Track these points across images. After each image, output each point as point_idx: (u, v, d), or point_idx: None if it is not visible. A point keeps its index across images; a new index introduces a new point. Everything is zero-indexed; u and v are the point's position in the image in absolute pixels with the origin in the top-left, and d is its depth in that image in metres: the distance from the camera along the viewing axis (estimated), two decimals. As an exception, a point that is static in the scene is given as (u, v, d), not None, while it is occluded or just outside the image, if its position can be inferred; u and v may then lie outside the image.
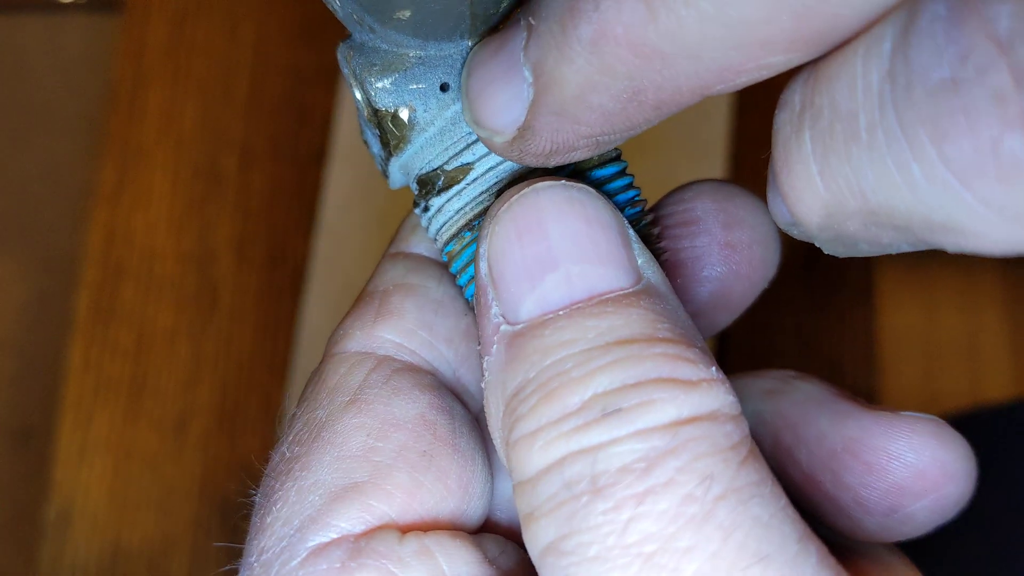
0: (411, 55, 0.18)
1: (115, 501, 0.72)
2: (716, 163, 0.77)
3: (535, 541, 0.14)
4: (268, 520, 0.17)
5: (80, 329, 0.74)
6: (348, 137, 0.78)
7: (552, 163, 0.16)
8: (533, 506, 0.14)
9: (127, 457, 0.72)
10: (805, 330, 0.77)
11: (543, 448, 0.14)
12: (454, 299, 0.20)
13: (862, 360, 0.77)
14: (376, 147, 0.20)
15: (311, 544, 0.16)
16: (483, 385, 0.16)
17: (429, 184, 0.20)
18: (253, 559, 0.18)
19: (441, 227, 0.20)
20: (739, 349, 0.75)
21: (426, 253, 0.21)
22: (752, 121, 0.80)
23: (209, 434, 0.73)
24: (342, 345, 0.20)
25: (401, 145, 0.19)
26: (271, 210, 0.78)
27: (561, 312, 0.15)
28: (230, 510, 0.72)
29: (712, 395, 0.14)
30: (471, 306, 0.20)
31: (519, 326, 0.15)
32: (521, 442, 0.15)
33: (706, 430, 0.13)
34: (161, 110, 0.79)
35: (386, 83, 0.18)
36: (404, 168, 0.20)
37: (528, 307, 0.15)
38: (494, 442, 0.16)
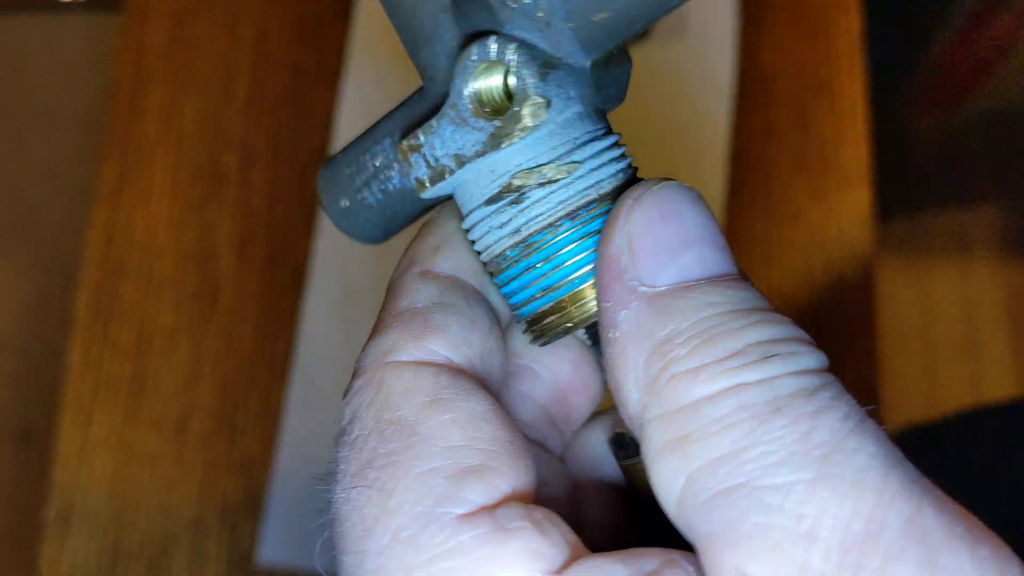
0: (560, 59, 0.21)
1: (115, 501, 0.72)
2: (716, 163, 0.77)
3: (695, 457, 0.17)
4: (391, 505, 0.18)
5: (80, 328, 0.74)
6: (348, 136, 0.78)
7: None
8: (692, 428, 0.17)
9: (127, 457, 0.72)
10: (805, 329, 0.77)
11: (707, 380, 0.17)
12: (482, 318, 0.22)
13: (862, 360, 0.76)
14: (472, 144, 0.21)
15: (456, 513, 0.18)
16: (613, 335, 0.19)
17: (531, 177, 0.22)
18: (387, 541, 0.18)
19: (534, 217, 0.22)
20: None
21: (451, 273, 0.23)
22: (752, 120, 0.80)
23: (209, 434, 0.73)
24: (395, 356, 0.21)
25: (515, 137, 0.21)
26: (271, 209, 0.77)
27: (702, 281, 0.19)
28: (230, 510, 0.72)
29: (822, 354, 0.19)
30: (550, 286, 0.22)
31: (660, 289, 0.19)
32: (681, 376, 0.18)
33: (833, 378, 0.18)
34: (161, 109, 0.79)
35: (539, 79, 0.21)
36: (493, 165, 0.22)
37: (668, 275, 0.19)
38: (621, 381, 0.19)
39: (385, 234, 0.26)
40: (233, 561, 0.71)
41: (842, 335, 0.77)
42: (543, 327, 0.23)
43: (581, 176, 0.22)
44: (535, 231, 0.22)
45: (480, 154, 0.22)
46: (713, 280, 0.19)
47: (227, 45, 0.81)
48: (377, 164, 0.25)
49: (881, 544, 0.15)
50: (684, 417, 0.18)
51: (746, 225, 0.77)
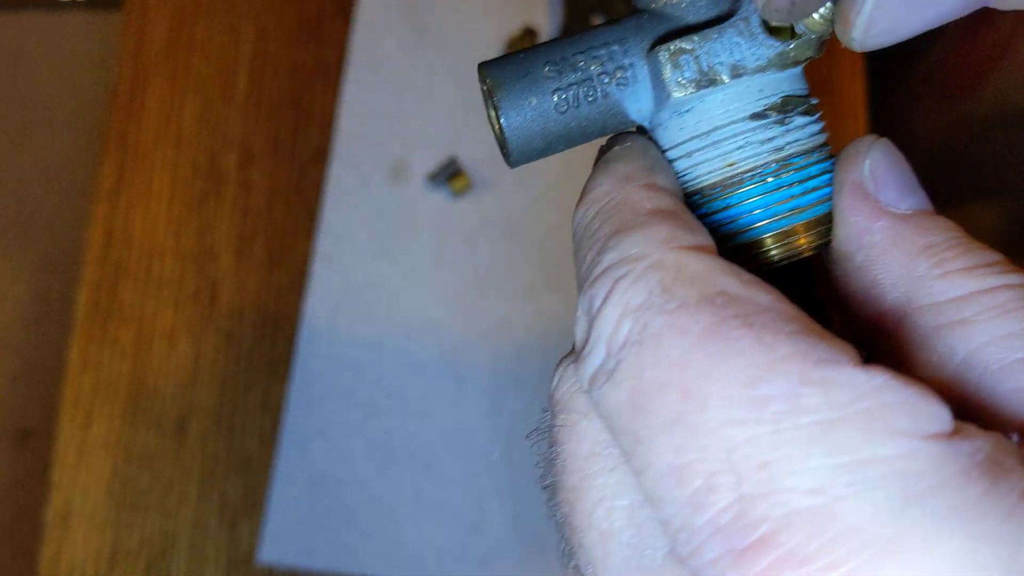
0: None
1: (114, 501, 0.71)
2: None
3: (980, 335, 0.20)
4: (782, 353, 0.19)
5: (80, 328, 0.74)
6: (348, 136, 0.78)
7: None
8: (971, 312, 0.21)
9: (126, 457, 0.72)
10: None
11: (981, 276, 0.21)
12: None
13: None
14: (755, 57, 0.23)
15: (850, 361, 0.19)
16: (868, 240, 0.23)
17: (799, 103, 0.24)
18: (795, 383, 0.18)
19: (797, 140, 0.24)
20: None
21: (670, 188, 0.24)
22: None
23: (208, 434, 0.73)
24: (677, 243, 0.21)
25: (800, 62, 0.24)
26: (271, 209, 0.77)
27: (934, 213, 0.23)
28: (229, 510, 0.72)
29: None
30: (792, 197, 0.25)
31: (906, 210, 0.23)
32: (954, 272, 0.21)
33: None
34: (161, 108, 0.79)
35: (830, 20, 0.23)
36: (769, 83, 0.24)
37: (910, 203, 0.23)
38: (879, 278, 0.23)
39: (541, 152, 0.25)
40: (233, 561, 0.71)
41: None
42: (786, 245, 0.24)
43: (819, 119, 0.25)
44: (796, 152, 0.24)
45: (760, 69, 0.24)
46: (939, 214, 0.23)
47: (227, 45, 0.81)
48: (594, 68, 0.24)
49: None
50: (959, 304, 0.21)
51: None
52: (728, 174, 0.24)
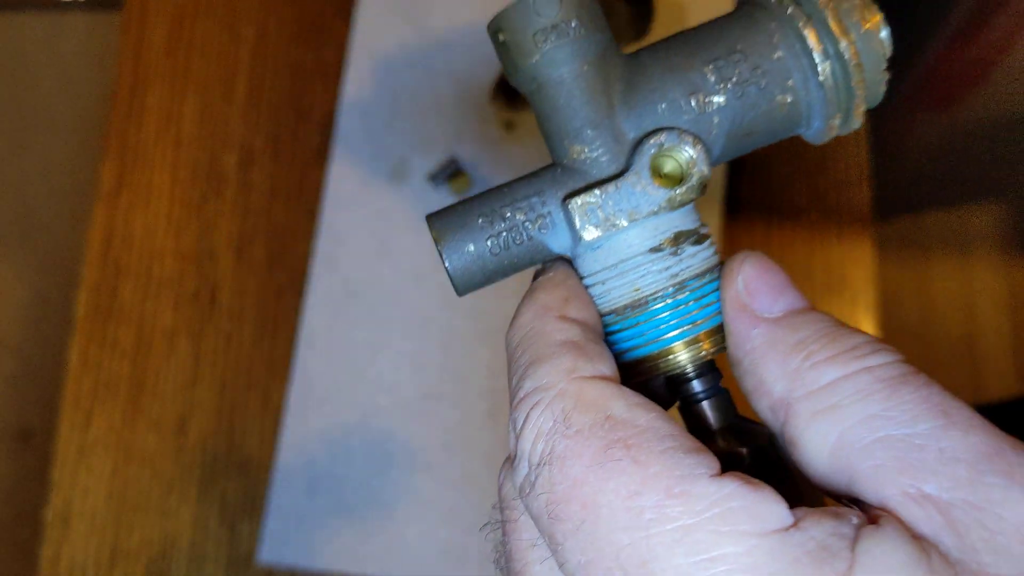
0: (715, 154, 0.30)
1: (113, 501, 0.72)
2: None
3: (847, 418, 0.24)
4: (652, 472, 0.23)
5: (79, 329, 0.74)
6: (348, 137, 0.78)
7: None
8: (838, 398, 0.24)
9: (126, 457, 0.72)
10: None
11: (843, 364, 0.24)
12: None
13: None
14: (646, 204, 0.29)
15: (710, 473, 0.23)
16: (750, 346, 0.27)
17: (687, 237, 0.29)
18: (660, 498, 0.23)
19: (689, 266, 0.29)
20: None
21: (582, 319, 0.29)
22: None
23: (208, 434, 0.73)
24: (579, 373, 0.26)
25: (686, 202, 0.29)
26: (271, 210, 0.77)
27: (803, 308, 0.27)
28: (229, 510, 0.72)
29: None
30: (700, 314, 0.30)
31: (778, 314, 0.27)
32: (820, 363, 0.25)
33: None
34: (160, 109, 0.79)
35: (708, 163, 0.29)
36: (661, 223, 0.29)
37: (779, 306, 0.27)
38: (764, 376, 0.26)
39: (483, 283, 0.31)
40: (233, 561, 0.71)
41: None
42: (692, 351, 0.29)
43: (710, 244, 0.30)
44: (689, 276, 0.29)
45: (653, 213, 0.29)
46: (807, 308, 0.27)
47: (227, 45, 0.81)
48: (519, 217, 0.30)
49: (1003, 458, 0.22)
50: (828, 392, 0.24)
51: (746, 225, 0.77)
52: (635, 297, 0.29)
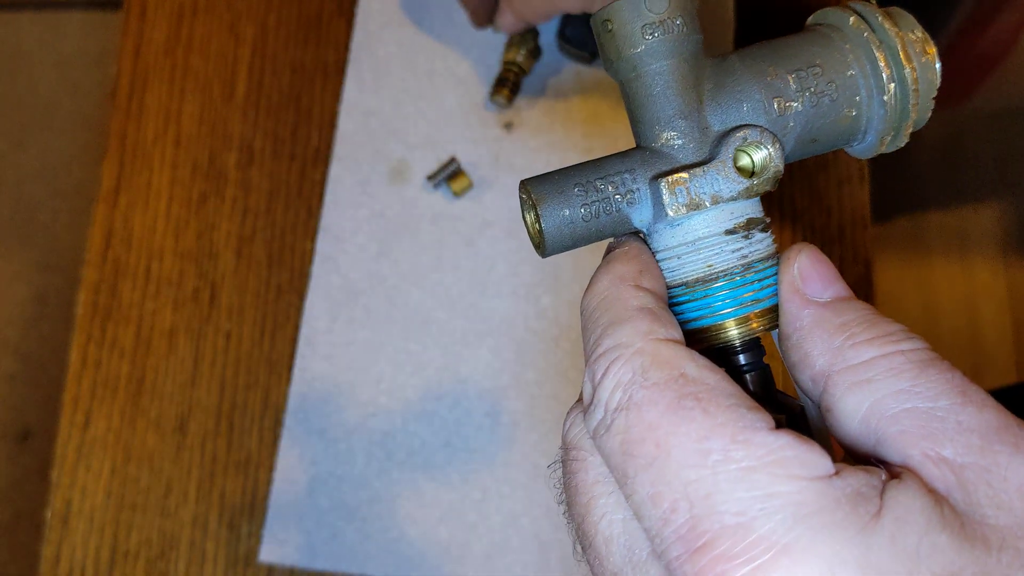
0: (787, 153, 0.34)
1: (113, 501, 0.71)
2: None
3: (879, 391, 0.28)
4: (719, 422, 0.26)
5: (80, 328, 0.74)
6: (348, 137, 0.78)
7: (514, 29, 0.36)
8: (873, 374, 0.28)
9: (126, 457, 0.72)
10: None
11: (881, 345, 0.28)
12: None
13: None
14: (728, 189, 0.32)
15: (768, 427, 0.27)
16: (799, 324, 0.31)
17: (757, 224, 0.33)
18: (726, 443, 0.26)
19: (756, 250, 0.33)
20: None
21: (654, 289, 0.32)
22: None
23: (208, 434, 0.73)
24: (655, 335, 0.29)
25: (757, 191, 0.32)
26: (271, 209, 0.77)
27: (848, 297, 0.31)
28: (229, 510, 0.72)
29: None
30: (752, 297, 0.33)
31: (827, 300, 0.31)
32: (861, 343, 0.29)
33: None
34: (160, 108, 0.79)
35: (783, 160, 0.32)
36: (737, 208, 0.33)
37: (829, 293, 0.31)
38: (809, 350, 0.30)
39: (568, 247, 0.34)
40: (232, 561, 0.70)
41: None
42: (743, 327, 0.33)
43: (771, 233, 0.33)
44: (756, 259, 0.33)
45: (732, 199, 0.32)
46: (853, 297, 0.31)
47: (227, 45, 0.81)
48: (611, 190, 0.33)
49: (1010, 431, 0.26)
50: (865, 367, 0.28)
51: (746, 225, 0.77)
52: (706, 273, 0.33)
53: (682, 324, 0.33)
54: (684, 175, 0.32)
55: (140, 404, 0.73)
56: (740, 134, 0.32)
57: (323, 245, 0.76)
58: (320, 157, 0.78)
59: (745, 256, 0.33)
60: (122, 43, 0.80)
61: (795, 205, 0.78)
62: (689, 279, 0.33)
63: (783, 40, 0.34)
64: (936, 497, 0.25)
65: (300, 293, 0.75)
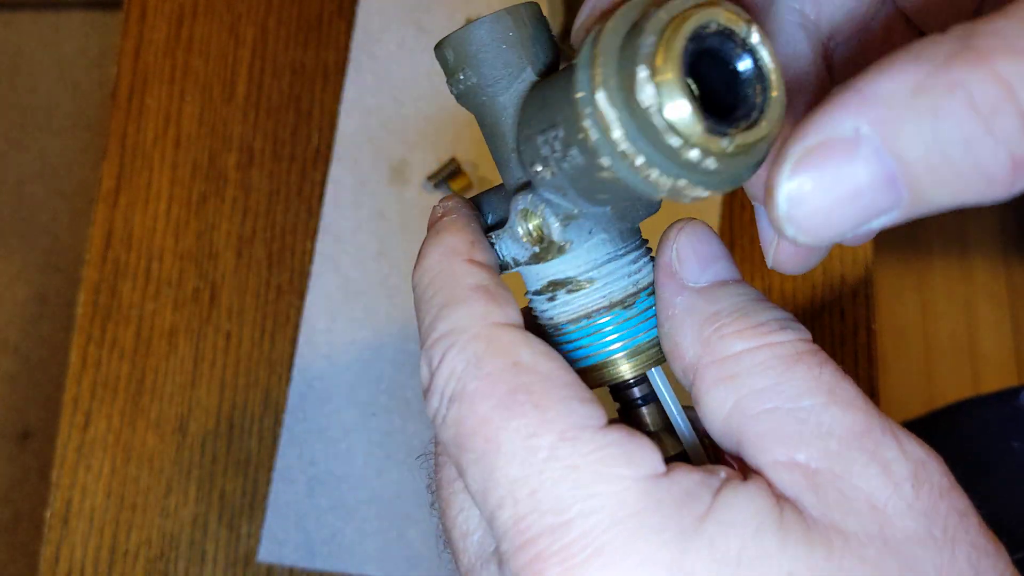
0: (577, 212, 0.30)
1: (113, 501, 0.71)
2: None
3: (742, 388, 0.26)
4: (549, 417, 0.26)
5: (80, 328, 0.74)
6: (348, 137, 0.78)
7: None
8: (738, 369, 0.27)
9: (126, 457, 0.72)
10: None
11: (748, 338, 0.27)
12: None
13: (862, 359, 0.76)
14: (522, 255, 0.31)
15: (599, 424, 0.26)
16: (671, 312, 0.29)
17: (561, 285, 0.31)
18: (553, 440, 0.25)
19: (562, 311, 0.31)
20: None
21: (486, 262, 0.30)
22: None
23: (208, 434, 0.73)
24: (492, 319, 0.28)
25: (549, 258, 0.30)
26: (271, 209, 0.77)
27: (728, 281, 0.29)
28: (229, 510, 0.72)
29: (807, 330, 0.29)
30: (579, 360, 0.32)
31: (703, 284, 0.29)
32: (728, 335, 0.27)
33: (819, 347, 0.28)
34: (160, 109, 0.79)
35: (561, 225, 0.30)
36: (537, 272, 0.31)
37: (707, 276, 0.29)
38: (679, 341, 0.29)
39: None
40: (232, 561, 0.71)
41: (842, 335, 0.77)
42: (637, 362, 0.31)
43: (596, 288, 0.31)
44: (560, 322, 0.31)
45: (527, 263, 0.31)
46: (732, 280, 0.29)
47: (227, 45, 0.81)
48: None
49: (871, 437, 0.25)
50: (731, 362, 0.27)
51: (746, 226, 0.77)
52: (579, 312, 0.31)
53: (573, 361, 0.32)
54: (494, 235, 0.31)
55: (140, 404, 0.73)
56: (515, 200, 0.30)
57: (323, 245, 0.76)
58: (320, 157, 0.78)
59: (552, 319, 0.32)
60: (122, 44, 0.80)
61: (795, 205, 0.78)
62: (571, 316, 0.32)
63: (552, 82, 0.29)
64: (779, 503, 0.24)
65: (300, 293, 0.75)
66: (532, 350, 0.27)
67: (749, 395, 0.26)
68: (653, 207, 0.32)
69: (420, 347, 0.30)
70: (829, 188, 0.21)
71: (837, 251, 0.78)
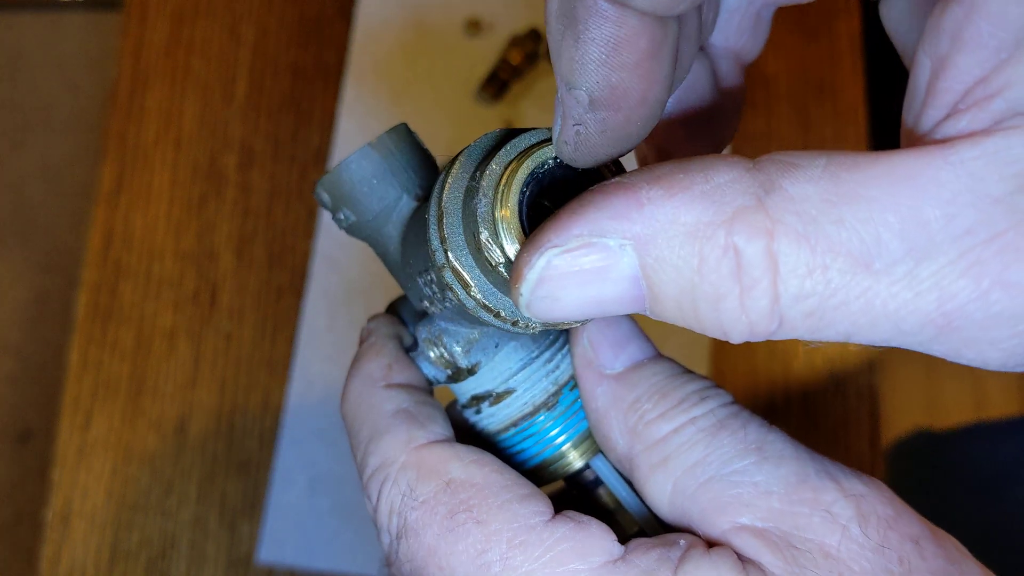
0: (477, 334, 0.30)
1: (113, 501, 0.72)
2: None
3: (676, 469, 0.27)
4: (493, 529, 0.26)
5: (80, 329, 0.74)
6: (348, 137, 0.78)
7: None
8: (668, 452, 0.27)
9: (126, 457, 0.72)
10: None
11: (671, 420, 0.27)
12: (439, 407, 0.31)
13: (863, 360, 0.76)
14: (440, 375, 0.31)
15: (544, 520, 0.27)
16: (595, 404, 0.29)
17: (483, 399, 0.31)
18: (504, 549, 0.26)
19: (491, 422, 0.32)
20: (739, 352, 0.75)
21: (405, 382, 0.31)
22: (753, 121, 0.80)
23: (208, 434, 0.73)
24: (416, 442, 0.29)
25: (462, 379, 0.31)
26: (270, 209, 0.77)
27: (644, 360, 0.29)
28: (229, 510, 0.72)
29: (727, 392, 0.29)
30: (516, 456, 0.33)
31: (619, 370, 0.29)
32: (652, 421, 0.28)
33: (740, 406, 0.29)
34: (160, 109, 0.79)
35: (463, 351, 0.30)
36: (458, 388, 0.32)
37: (620, 361, 0.29)
38: (608, 433, 0.29)
39: None
40: (232, 561, 0.71)
41: (842, 336, 0.77)
42: (581, 451, 0.32)
43: (517, 396, 0.31)
44: (492, 432, 0.32)
45: (446, 383, 0.32)
46: (649, 359, 0.29)
47: (227, 46, 0.81)
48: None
49: (808, 485, 0.26)
50: (661, 446, 0.27)
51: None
52: (520, 414, 0.32)
53: (519, 464, 0.32)
54: (412, 354, 0.32)
55: (140, 405, 0.73)
56: (419, 329, 0.31)
57: (323, 245, 0.76)
58: (320, 158, 0.78)
59: (483, 430, 0.32)
60: (122, 44, 0.80)
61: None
62: (501, 426, 0.32)
63: (419, 221, 0.30)
64: (746, 565, 0.25)
65: (300, 294, 0.75)
66: (462, 462, 0.28)
67: (683, 475, 0.27)
68: None
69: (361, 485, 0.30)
70: (575, 297, 0.21)
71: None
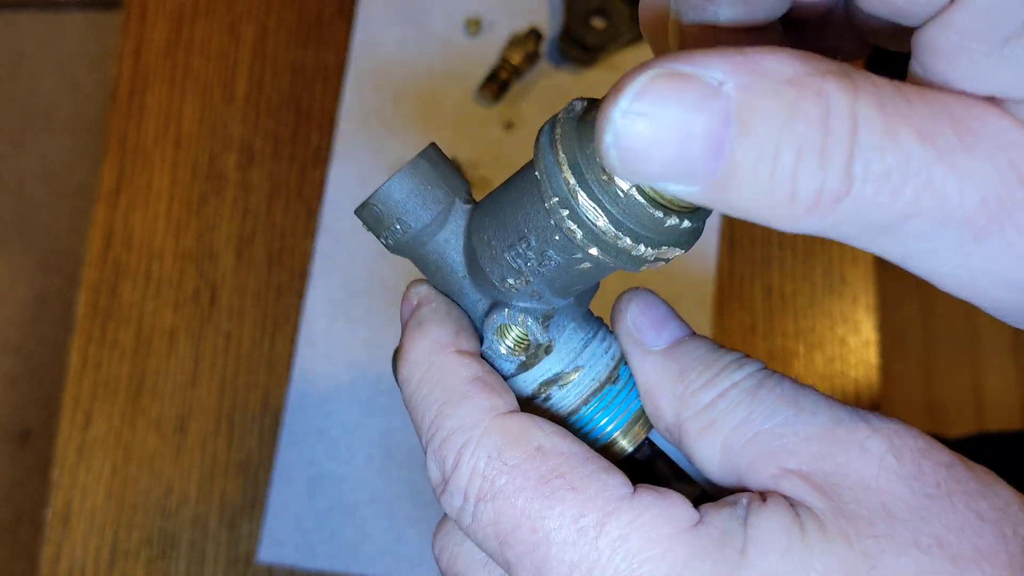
0: (554, 309, 0.32)
1: (114, 501, 0.72)
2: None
3: (724, 428, 0.29)
4: (589, 495, 0.27)
5: (80, 328, 0.74)
6: (348, 137, 0.78)
7: None
8: (715, 414, 0.29)
9: (126, 457, 0.72)
10: (805, 330, 0.77)
11: (715, 386, 0.30)
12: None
13: (863, 360, 0.76)
14: (508, 368, 0.32)
15: (631, 491, 0.28)
16: (644, 379, 0.32)
17: (552, 383, 0.32)
18: (599, 516, 0.27)
19: (561, 406, 0.33)
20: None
21: (473, 350, 0.32)
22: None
23: (208, 434, 0.73)
24: (498, 411, 0.29)
25: (538, 361, 0.32)
26: (271, 209, 0.77)
27: (682, 338, 0.32)
28: (229, 510, 0.72)
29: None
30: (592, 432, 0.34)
31: (663, 346, 0.32)
32: (698, 388, 0.30)
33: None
34: (160, 109, 0.79)
35: (543, 327, 0.31)
36: (524, 379, 0.33)
37: (662, 339, 0.32)
38: (657, 402, 0.31)
39: None
40: (232, 561, 0.71)
41: (842, 336, 0.77)
42: (632, 436, 0.33)
43: (585, 374, 0.33)
44: (562, 416, 0.33)
45: (515, 374, 0.32)
46: (687, 336, 0.32)
47: (227, 46, 0.81)
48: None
49: (843, 427, 0.28)
50: (708, 410, 0.30)
51: (746, 227, 0.77)
52: (574, 405, 0.33)
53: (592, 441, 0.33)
54: (481, 350, 0.33)
55: (140, 404, 0.73)
56: (491, 319, 0.32)
57: (323, 245, 0.76)
58: (320, 157, 0.78)
59: (557, 412, 0.33)
60: (122, 44, 0.80)
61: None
62: (570, 408, 0.33)
63: (504, 194, 0.31)
64: (795, 509, 0.26)
65: (300, 293, 0.75)
66: (544, 432, 0.28)
67: (731, 433, 0.29)
68: (597, 288, 0.35)
69: (423, 445, 0.30)
70: (667, 117, 0.20)
71: (838, 251, 0.78)
